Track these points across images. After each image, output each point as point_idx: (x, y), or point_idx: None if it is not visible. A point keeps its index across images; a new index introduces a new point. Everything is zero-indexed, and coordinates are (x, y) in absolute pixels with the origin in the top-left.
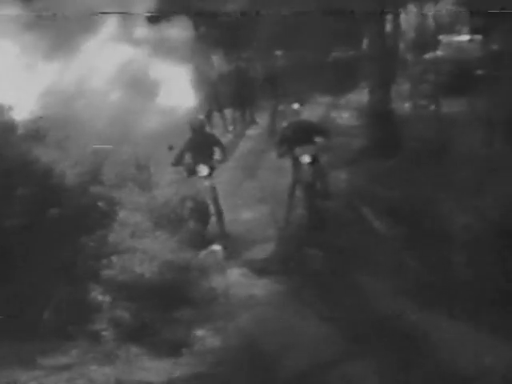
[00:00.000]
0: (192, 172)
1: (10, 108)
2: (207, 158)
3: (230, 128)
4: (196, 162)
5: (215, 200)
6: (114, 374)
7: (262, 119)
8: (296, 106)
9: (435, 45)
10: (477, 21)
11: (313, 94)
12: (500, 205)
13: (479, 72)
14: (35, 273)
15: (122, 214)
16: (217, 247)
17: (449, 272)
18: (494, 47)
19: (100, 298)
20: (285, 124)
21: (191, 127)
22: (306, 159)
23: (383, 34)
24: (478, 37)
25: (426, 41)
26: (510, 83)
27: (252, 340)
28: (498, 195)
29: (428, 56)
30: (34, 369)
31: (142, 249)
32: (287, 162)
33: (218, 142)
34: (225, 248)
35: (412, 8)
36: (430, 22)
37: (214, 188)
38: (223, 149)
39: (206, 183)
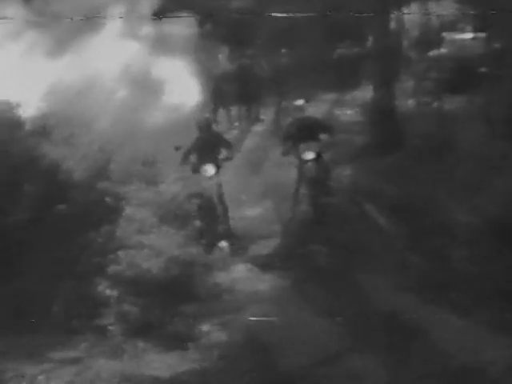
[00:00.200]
0: (198, 171)
1: (17, 105)
2: (213, 158)
3: (235, 125)
4: (202, 162)
5: (221, 198)
6: (121, 368)
7: (267, 116)
8: (300, 102)
9: (438, 42)
10: (480, 19)
11: (317, 91)
12: (501, 202)
13: (482, 70)
14: (43, 268)
15: (128, 210)
16: (223, 244)
17: (450, 268)
18: (497, 45)
19: (107, 292)
20: (289, 121)
21: (198, 126)
22: (309, 156)
23: (387, 32)
24: (481, 35)
25: (429, 38)
26: None
27: (256, 334)
28: (499, 192)
29: (431, 54)
30: (42, 362)
31: (148, 244)
32: (291, 159)
33: (224, 142)
34: (231, 245)
35: (415, 6)
36: (434, 19)
37: (220, 186)
38: (230, 148)
39: (212, 181)
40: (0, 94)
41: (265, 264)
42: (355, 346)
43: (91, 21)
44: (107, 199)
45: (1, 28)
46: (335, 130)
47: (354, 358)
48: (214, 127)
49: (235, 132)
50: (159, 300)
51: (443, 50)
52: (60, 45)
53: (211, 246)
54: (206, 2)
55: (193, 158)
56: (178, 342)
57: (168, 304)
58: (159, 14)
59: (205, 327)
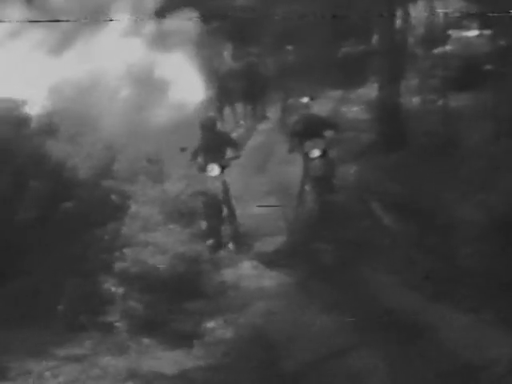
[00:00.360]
0: (204, 171)
1: (23, 103)
2: (220, 157)
3: (241, 122)
4: (208, 161)
5: (228, 199)
6: (127, 365)
7: (273, 114)
8: (306, 100)
9: (444, 40)
10: (486, 16)
11: (323, 89)
12: (507, 199)
13: (488, 67)
14: (49, 265)
15: (134, 208)
16: (229, 245)
17: (456, 266)
18: (503, 43)
19: (113, 289)
20: (295, 118)
21: (202, 125)
22: (315, 153)
23: (393, 30)
24: (487, 32)
25: (435, 36)
26: None
27: (261, 331)
28: (505, 190)
29: (437, 51)
30: (49, 359)
31: (154, 242)
32: (297, 156)
33: (231, 141)
34: (237, 243)
35: (422, 4)
36: (440, 17)
37: (227, 187)
38: (236, 148)
39: (218, 182)
40: (6, 92)
41: (270, 261)
42: (360, 343)
43: (96, 19)
44: (113, 197)
45: (5, 27)
46: (341, 127)
47: (358, 355)
48: (220, 126)
49: (241, 130)
50: (165, 297)
51: (449, 48)
52: (65, 43)
53: (217, 245)
54: (211, 1)
55: (200, 157)
56: (183, 338)
57: (173, 301)
58: (163, 12)
59: (210, 324)
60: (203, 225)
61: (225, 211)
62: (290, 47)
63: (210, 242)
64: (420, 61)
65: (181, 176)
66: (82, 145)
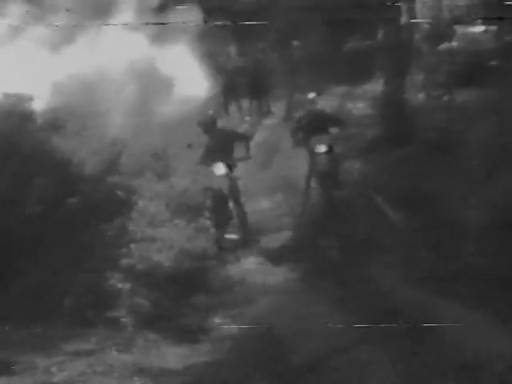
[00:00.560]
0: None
1: (29, 98)
2: (226, 156)
3: (246, 118)
4: (213, 160)
5: (237, 200)
6: (133, 360)
7: (278, 109)
8: (312, 95)
9: (450, 35)
10: (492, 12)
11: (328, 85)
12: (510, 195)
13: (493, 63)
14: (55, 261)
15: (140, 203)
16: (233, 236)
17: (460, 261)
18: (508, 38)
19: (119, 285)
20: (301, 114)
21: (201, 127)
22: (321, 149)
23: (398, 25)
24: (493, 28)
25: (440, 31)
26: None
27: (267, 327)
28: (509, 186)
29: (442, 47)
30: (55, 354)
31: (160, 237)
32: (303, 152)
33: (239, 137)
34: (245, 240)
35: None
36: (445, 12)
37: (236, 187)
38: (246, 142)
39: (225, 181)
40: (11, 87)
41: (276, 257)
42: (365, 339)
43: (101, 13)
44: (118, 193)
45: (9, 22)
46: (346, 123)
47: (363, 350)
48: (223, 123)
49: (246, 125)
50: (171, 292)
51: (454, 44)
52: (70, 38)
53: (223, 241)
54: None
55: (210, 157)
56: (189, 334)
57: (179, 296)
58: (168, 8)
59: (216, 319)
60: (209, 218)
61: (232, 207)
62: (295, 43)
63: (216, 236)
64: (425, 56)
65: (187, 171)
66: (87, 140)
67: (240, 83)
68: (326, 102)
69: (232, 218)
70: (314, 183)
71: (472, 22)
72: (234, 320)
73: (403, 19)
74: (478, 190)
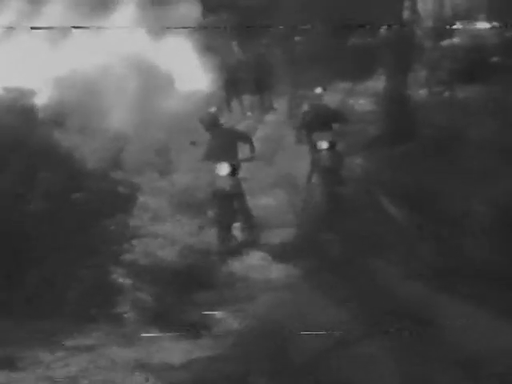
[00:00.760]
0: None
1: (31, 93)
2: (229, 155)
3: (249, 114)
4: (216, 159)
5: (242, 203)
6: (135, 356)
7: (280, 105)
8: (319, 90)
9: (452, 32)
10: (494, 8)
11: (330, 81)
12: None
13: (495, 59)
14: (57, 256)
15: (142, 199)
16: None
17: (462, 258)
18: (510, 35)
19: (122, 281)
20: (305, 109)
21: (202, 124)
22: (323, 145)
23: (401, 21)
24: (495, 24)
25: (442, 28)
26: None
27: (269, 322)
28: (510, 182)
29: (444, 43)
30: (57, 350)
31: (162, 233)
32: (305, 148)
33: (242, 137)
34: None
35: None
36: (448, 8)
37: (240, 190)
38: (250, 142)
39: (229, 183)
40: (13, 82)
41: (278, 253)
42: (367, 335)
43: (103, 7)
44: (121, 189)
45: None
46: (349, 119)
47: (365, 345)
48: (224, 119)
49: (248, 121)
50: (173, 288)
51: (456, 40)
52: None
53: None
54: None
55: (212, 155)
56: (191, 329)
57: (182, 292)
58: (171, 3)
59: (218, 315)
60: (211, 214)
61: (237, 207)
62: (297, 38)
63: (219, 233)
64: (427, 53)
65: (189, 167)
66: (90, 136)
67: (242, 79)
68: (329, 98)
69: (236, 219)
70: (316, 179)
71: (474, 18)
72: (236, 316)
73: (405, 15)
74: (480, 186)
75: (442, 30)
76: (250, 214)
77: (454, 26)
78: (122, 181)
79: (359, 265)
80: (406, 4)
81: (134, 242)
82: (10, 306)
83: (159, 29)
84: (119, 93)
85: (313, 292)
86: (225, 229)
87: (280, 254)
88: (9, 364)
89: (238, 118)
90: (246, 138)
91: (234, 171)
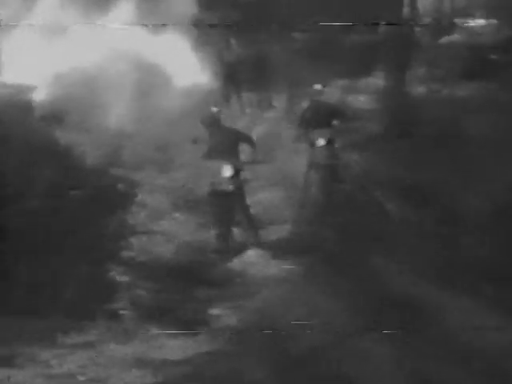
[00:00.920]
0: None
1: (30, 89)
2: (232, 157)
3: (247, 111)
4: (218, 159)
5: (243, 205)
6: (133, 352)
7: (279, 102)
8: (318, 87)
9: (451, 29)
10: (492, 5)
11: (329, 78)
12: (510, 188)
13: (494, 56)
14: (55, 253)
15: (140, 196)
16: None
17: (461, 253)
18: (509, 32)
19: (120, 278)
20: (305, 106)
21: (203, 124)
22: (321, 142)
23: (400, 19)
24: (493, 21)
25: (441, 25)
26: None
27: (268, 318)
28: (508, 179)
29: (443, 40)
30: (55, 347)
31: (160, 230)
32: (304, 145)
33: (245, 138)
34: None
35: None
36: (447, 5)
37: (242, 192)
38: (252, 144)
39: (231, 187)
40: (12, 78)
41: (276, 249)
42: (366, 328)
43: (101, 3)
44: (120, 185)
45: (10, 13)
46: (348, 116)
47: (364, 340)
48: (223, 116)
49: (247, 118)
50: (171, 285)
51: (455, 37)
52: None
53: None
54: None
55: (210, 157)
56: (189, 326)
57: (180, 289)
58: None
59: (216, 311)
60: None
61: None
62: (297, 35)
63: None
64: (426, 50)
65: (188, 164)
66: (89, 132)
67: (241, 76)
68: (328, 95)
69: (236, 221)
70: (314, 176)
71: (473, 16)
72: (234, 312)
73: (405, 12)
74: (479, 183)
75: (441, 27)
76: (250, 218)
77: (453, 23)
78: (121, 178)
79: (357, 261)
80: (406, 1)
81: (133, 239)
82: (7, 303)
83: (158, 25)
84: (118, 89)
85: (311, 288)
86: (224, 232)
87: (278, 250)
88: (7, 361)
89: (237, 115)
90: (248, 139)
91: (237, 173)
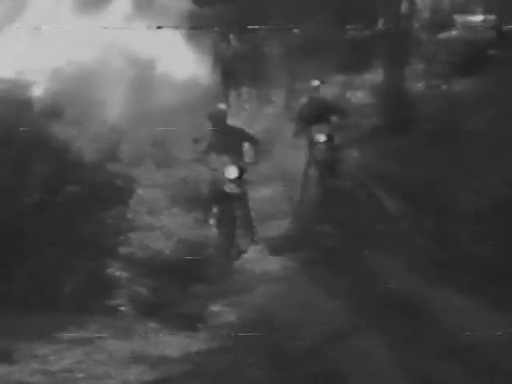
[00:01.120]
0: (219, 174)
1: (28, 84)
2: (236, 157)
3: (246, 106)
4: (222, 162)
5: (246, 214)
6: (131, 349)
7: (278, 97)
8: (316, 83)
9: (449, 24)
10: (491, 1)
11: (327, 73)
12: (508, 184)
13: (492, 52)
14: (54, 249)
15: (139, 192)
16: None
17: (457, 249)
18: (507, 28)
19: (118, 273)
20: (303, 102)
21: (210, 121)
22: (321, 138)
23: (398, 14)
24: (492, 17)
25: (440, 20)
26: None
27: (266, 314)
28: (506, 175)
29: (442, 36)
30: (53, 343)
31: (159, 226)
32: (302, 141)
33: (248, 138)
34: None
35: None
36: (445, 1)
37: (246, 197)
38: (256, 145)
39: (236, 189)
40: (9, 73)
41: (275, 245)
42: (363, 325)
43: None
44: (118, 181)
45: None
46: (347, 112)
47: (361, 337)
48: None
49: (246, 114)
50: (170, 281)
51: (453, 32)
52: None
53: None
54: None
55: (212, 156)
56: (188, 322)
57: (178, 285)
58: None
59: (214, 308)
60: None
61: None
62: (295, 30)
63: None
64: (425, 46)
65: (186, 160)
66: (86, 127)
67: (239, 71)
68: (326, 91)
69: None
70: (312, 172)
71: (471, 11)
72: (232, 308)
73: (403, 8)
74: (477, 179)
75: (439, 23)
76: (251, 221)
77: (452, 19)
78: (119, 173)
79: (355, 257)
80: None
81: (131, 234)
82: (5, 299)
83: (158, 20)
84: (116, 84)
85: (309, 284)
86: (228, 234)
87: (277, 246)
88: (5, 357)
89: (236, 110)
90: (253, 140)
91: (241, 174)
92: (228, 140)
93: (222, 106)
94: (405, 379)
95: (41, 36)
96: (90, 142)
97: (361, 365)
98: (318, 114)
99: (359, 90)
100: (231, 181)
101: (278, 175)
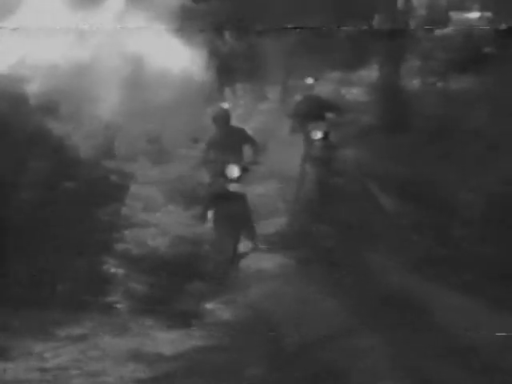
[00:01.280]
0: (219, 174)
1: (23, 80)
2: (237, 157)
3: (241, 103)
4: (223, 162)
5: (247, 216)
6: (127, 346)
7: (273, 94)
8: (310, 80)
9: (445, 21)
10: None
11: (323, 70)
12: (506, 181)
13: (488, 49)
14: (49, 245)
15: (134, 188)
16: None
17: (455, 247)
18: (504, 25)
19: (113, 270)
20: (298, 99)
21: (215, 122)
22: (317, 135)
23: (394, 11)
24: (488, 14)
25: (436, 17)
26: None
27: (261, 312)
28: (503, 172)
29: (438, 33)
30: (49, 340)
31: (154, 223)
32: (298, 138)
33: (248, 139)
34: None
35: None
36: None
37: (246, 199)
38: (255, 147)
39: (239, 188)
40: (3, 68)
41: (271, 243)
42: (360, 324)
43: None
44: (113, 177)
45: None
46: (343, 109)
47: (358, 336)
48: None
49: (241, 110)
50: (165, 278)
51: (450, 29)
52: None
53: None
54: None
55: (213, 155)
56: (183, 319)
57: (174, 282)
58: None
59: (210, 305)
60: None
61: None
62: (290, 27)
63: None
64: (421, 43)
65: (182, 157)
66: (81, 124)
67: (235, 68)
68: (321, 88)
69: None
70: (308, 169)
71: (468, 8)
72: (228, 306)
73: (399, 4)
74: (473, 176)
75: (435, 20)
76: (253, 226)
77: (448, 16)
78: (115, 170)
79: (352, 255)
80: None
81: (126, 231)
82: (1, 296)
83: (152, 17)
84: (111, 80)
85: (305, 282)
86: (230, 236)
87: (272, 243)
88: (1, 354)
89: (231, 107)
90: (253, 141)
91: (243, 173)
92: (230, 139)
93: (225, 105)
94: (404, 379)
95: (35, 33)
96: (86, 139)
97: (357, 363)
98: (313, 111)
99: (355, 87)
100: (233, 180)
101: (273, 172)
